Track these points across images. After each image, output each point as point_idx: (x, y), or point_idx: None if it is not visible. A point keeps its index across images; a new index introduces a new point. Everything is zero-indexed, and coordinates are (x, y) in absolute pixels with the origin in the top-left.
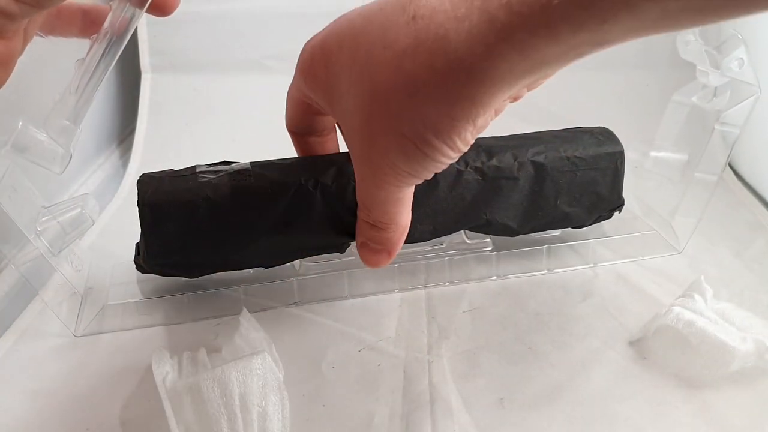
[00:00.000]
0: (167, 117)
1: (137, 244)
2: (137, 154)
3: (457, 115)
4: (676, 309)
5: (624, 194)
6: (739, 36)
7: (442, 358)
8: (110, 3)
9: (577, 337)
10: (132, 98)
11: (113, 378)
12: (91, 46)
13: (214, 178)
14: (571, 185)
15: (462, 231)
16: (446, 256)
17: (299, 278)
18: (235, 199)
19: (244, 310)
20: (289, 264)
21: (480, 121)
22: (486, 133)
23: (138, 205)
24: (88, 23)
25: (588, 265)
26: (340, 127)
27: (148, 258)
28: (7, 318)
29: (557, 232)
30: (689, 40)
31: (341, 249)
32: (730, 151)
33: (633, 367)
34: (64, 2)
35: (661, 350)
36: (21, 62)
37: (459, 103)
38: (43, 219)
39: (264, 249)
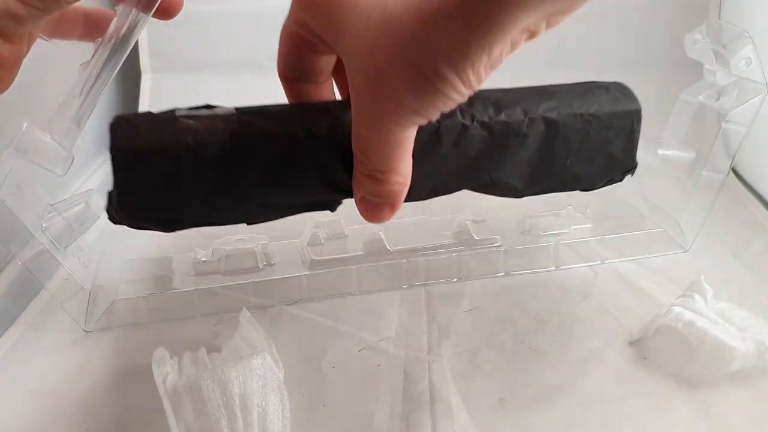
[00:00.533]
0: None
1: (109, 193)
2: None
3: (472, 42)
4: (676, 309)
5: (629, 192)
6: (747, 34)
7: (442, 357)
8: (115, 8)
9: (577, 337)
10: (132, 98)
11: (113, 378)
12: (96, 50)
13: (195, 123)
14: (583, 145)
15: (470, 228)
16: (454, 252)
17: (306, 274)
18: (219, 148)
19: (244, 309)
20: (297, 261)
21: (495, 51)
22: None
23: (110, 151)
24: (90, 27)
25: (595, 262)
26: (342, 63)
27: (121, 210)
28: (7, 318)
29: (566, 229)
30: (697, 39)
31: (332, 207)
32: (737, 150)
33: (633, 367)
34: (68, 6)
35: (661, 350)
36: (24, 64)
37: (475, 28)
38: (49, 216)
39: (249, 204)
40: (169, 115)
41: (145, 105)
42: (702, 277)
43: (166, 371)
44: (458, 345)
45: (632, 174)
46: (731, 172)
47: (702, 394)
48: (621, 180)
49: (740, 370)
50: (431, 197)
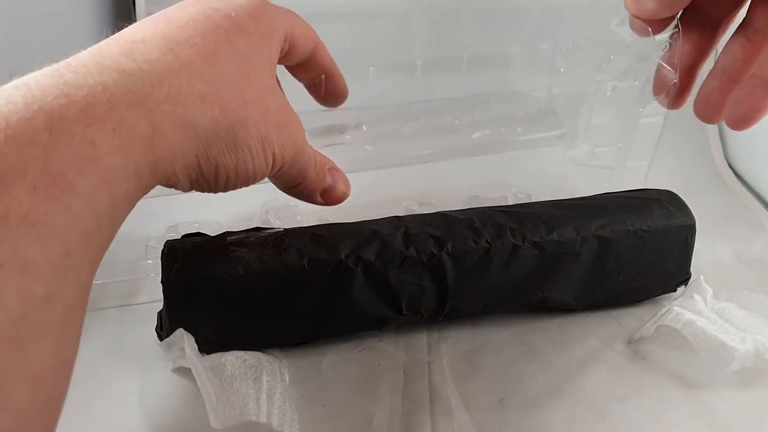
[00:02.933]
0: None
1: (159, 314)
2: None
3: None
4: (676, 309)
5: (570, 180)
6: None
7: (442, 358)
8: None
9: (576, 337)
10: None
11: (113, 378)
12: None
13: (244, 252)
14: (636, 260)
15: (416, 210)
16: None
17: None
18: (269, 277)
19: None
20: None
21: None
22: (546, 196)
23: (162, 280)
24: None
25: None
26: None
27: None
28: None
29: None
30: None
31: (381, 326)
32: (659, 137)
33: (632, 367)
34: None
35: (661, 350)
36: None
37: None
38: None
39: (297, 329)
40: (220, 243)
41: None
42: (701, 277)
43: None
44: (458, 345)
45: (686, 285)
46: (732, 172)
47: (701, 394)
48: (674, 291)
49: (740, 370)
50: (483, 314)
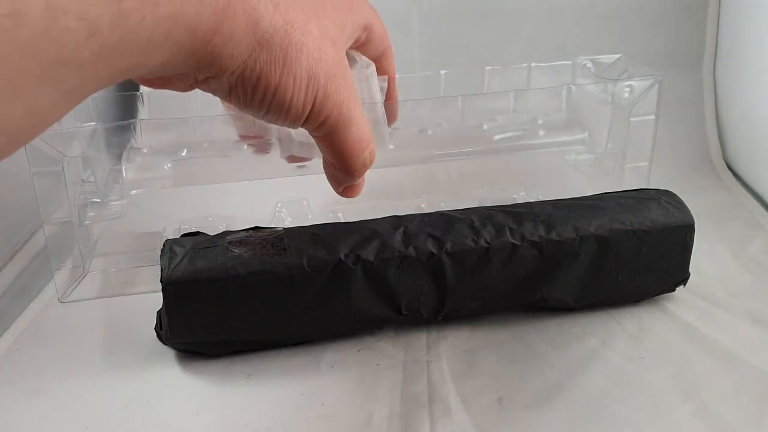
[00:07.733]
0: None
1: (158, 313)
2: None
3: None
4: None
5: (567, 187)
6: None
7: (441, 358)
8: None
9: (575, 336)
10: (132, 98)
11: (113, 376)
12: None
13: (245, 251)
14: (635, 260)
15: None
16: None
17: None
18: (268, 277)
19: None
20: None
21: None
22: (546, 196)
23: (161, 280)
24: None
25: None
26: None
27: (171, 336)
28: (7, 317)
29: None
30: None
31: (380, 326)
32: (654, 137)
33: (632, 367)
34: None
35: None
36: None
37: None
38: (80, 191)
39: (296, 329)
40: (219, 242)
41: (145, 104)
42: (699, 277)
43: None
44: (457, 345)
45: (684, 285)
46: (730, 172)
47: (701, 394)
48: (673, 290)
49: (740, 369)
50: (482, 314)
